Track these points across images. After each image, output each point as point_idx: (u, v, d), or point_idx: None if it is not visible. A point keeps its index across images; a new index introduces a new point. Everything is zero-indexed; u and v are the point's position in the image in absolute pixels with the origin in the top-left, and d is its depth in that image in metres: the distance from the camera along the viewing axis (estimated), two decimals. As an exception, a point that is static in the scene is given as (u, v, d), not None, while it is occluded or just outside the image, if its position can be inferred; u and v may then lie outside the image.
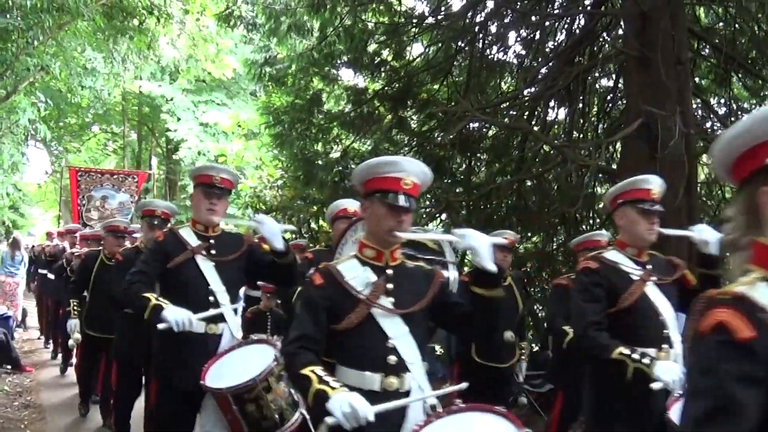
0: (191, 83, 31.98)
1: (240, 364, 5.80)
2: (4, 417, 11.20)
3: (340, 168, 15.22)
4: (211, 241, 6.44)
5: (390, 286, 4.40)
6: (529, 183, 13.86)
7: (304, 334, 4.23)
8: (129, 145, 42.68)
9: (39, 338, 19.36)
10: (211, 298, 6.18)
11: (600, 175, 13.30)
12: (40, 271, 18.66)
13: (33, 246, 22.72)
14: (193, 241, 6.38)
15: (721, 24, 13.87)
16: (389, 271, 4.45)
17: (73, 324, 10.39)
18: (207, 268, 6.28)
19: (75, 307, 10.50)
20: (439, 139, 14.39)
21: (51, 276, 15.95)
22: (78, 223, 21.97)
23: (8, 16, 16.63)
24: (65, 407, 11.84)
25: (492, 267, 4.64)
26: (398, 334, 4.30)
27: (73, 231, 16.70)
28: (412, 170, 4.40)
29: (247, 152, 28.63)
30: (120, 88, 29.58)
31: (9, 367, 14.47)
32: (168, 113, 32.49)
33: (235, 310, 6.43)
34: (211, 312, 6.04)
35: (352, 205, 8.00)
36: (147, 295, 5.90)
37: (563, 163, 11.45)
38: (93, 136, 44.51)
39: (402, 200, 4.30)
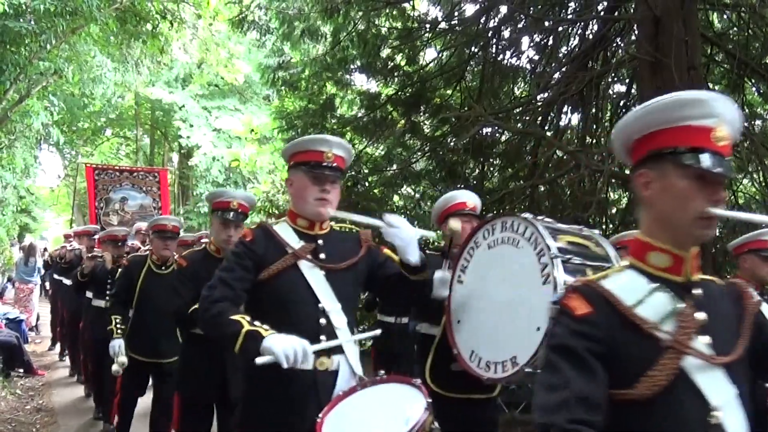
0: (204, 88, 32.09)
1: (369, 414, 4.12)
2: (16, 420, 11.21)
3: (353, 173, 15.21)
4: (319, 241, 4.76)
5: (701, 316, 2.64)
6: (542, 188, 13.82)
7: (578, 396, 2.44)
8: (141, 149, 42.72)
9: (50, 349, 19.06)
10: (323, 321, 4.49)
11: (613, 181, 13.29)
12: (56, 277, 16.77)
13: (48, 250, 22.27)
14: (295, 241, 4.69)
15: (734, 29, 13.85)
16: (697, 291, 2.72)
17: (117, 345, 8.54)
18: (315, 277, 4.60)
19: (118, 325, 8.67)
20: (452, 144, 14.38)
21: (67, 282, 13.85)
22: (95, 224, 20.24)
23: (21, 20, 16.67)
24: (77, 410, 11.84)
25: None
26: (725, 399, 2.58)
27: (91, 233, 15.13)
28: (726, 115, 2.67)
29: (260, 157, 28.70)
30: (132, 92, 29.66)
31: (21, 370, 14.53)
32: (180, 120, 32.54)
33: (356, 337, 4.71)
34: (332, 342, 4.43)
35: (471, 198, 6.50)
36: (237, 317, 4.22)
37: (576, 168, 11.45)
38: (106, 140, 44.62)
39: (713, 163, 2.60)
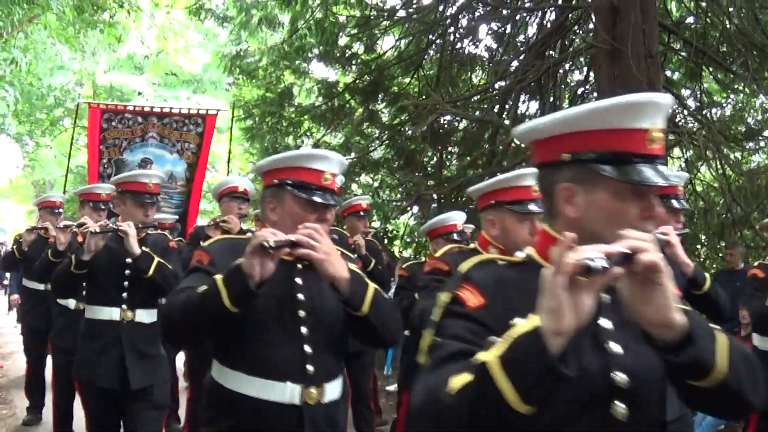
0: (161, 77, 31.85)
1: None
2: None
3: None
4: None
5: None
6: (500, 176, 13.86)
7: None
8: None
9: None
10: None
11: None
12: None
13: (18, 236, 15.66)
14: None
15: (692, 18, 13.91)
16: None
17: None
18: None
19: None
20: (410, 132, 14.41)
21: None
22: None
23: (-23, 8, 16.50)
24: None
25: None
26: None
27: (57, 204, 9.49)
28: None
29: (218, 146, 28.60)
30: (90, 82, 29.39)
31: (-24, 363, 14.24)
32: (139, 110, 32.28)
33: None
34: None
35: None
36: None
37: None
38: (64, 130, 44.24)
39: None
